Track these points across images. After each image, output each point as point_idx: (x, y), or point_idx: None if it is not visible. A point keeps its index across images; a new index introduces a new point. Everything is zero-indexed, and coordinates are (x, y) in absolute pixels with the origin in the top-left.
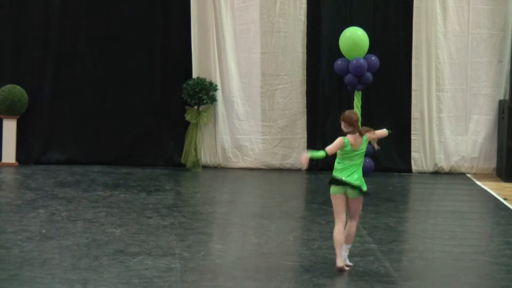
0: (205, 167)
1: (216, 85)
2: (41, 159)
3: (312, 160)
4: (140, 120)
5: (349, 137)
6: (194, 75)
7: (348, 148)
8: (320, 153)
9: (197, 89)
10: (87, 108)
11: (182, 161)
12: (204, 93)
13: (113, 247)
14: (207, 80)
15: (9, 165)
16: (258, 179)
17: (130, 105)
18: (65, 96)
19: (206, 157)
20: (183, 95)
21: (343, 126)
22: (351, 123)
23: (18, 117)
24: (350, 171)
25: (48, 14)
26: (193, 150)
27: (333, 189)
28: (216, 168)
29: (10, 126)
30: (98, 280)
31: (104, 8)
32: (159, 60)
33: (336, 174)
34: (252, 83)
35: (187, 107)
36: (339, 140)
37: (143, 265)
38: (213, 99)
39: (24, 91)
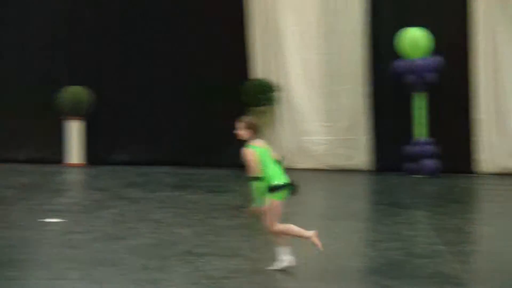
0: None
1: (278, 86)
2: (108, 160)
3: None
4: (207, 121)
5: (256, 143)
6: (256, 76)
7: (264, 152)
8: (259, 187)
9: (257, 91)
10: (153, 109)
11: None
12: (266, 94)
13: (181, 248)
14: (268, 81)
15: (76, 165)
16: (322, 180)
17: (196, 106)
18: (131, 97)
19: None
20: (245, 97)
21: (248, 134)
22: (256, 129)
23: (83, 118)
24: (280, 173)
25: (113, 15)
26: None
27: (279, 195)
28: None
29: (76, 127)
30: (167, 280)
31: (168, 10)
32: (220, 61)
33: (275, 180)
34: (314, 84)
35: (250, 108)
36: (250, 155)
37: (211, 266)
38: (274, 100)
39: (88, 92)
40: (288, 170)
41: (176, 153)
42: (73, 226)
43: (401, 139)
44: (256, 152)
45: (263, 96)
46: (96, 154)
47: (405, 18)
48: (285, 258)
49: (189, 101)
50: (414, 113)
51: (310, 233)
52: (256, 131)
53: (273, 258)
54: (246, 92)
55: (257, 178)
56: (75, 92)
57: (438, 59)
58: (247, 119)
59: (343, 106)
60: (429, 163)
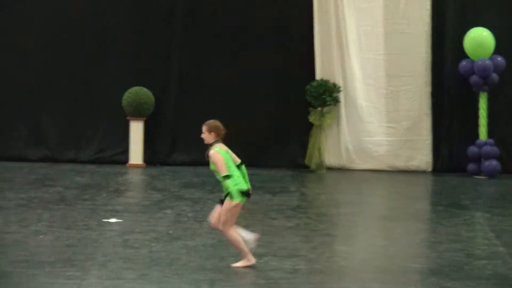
0: (329, 168)
1: (340, 87)
2: (167, 160)
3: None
4: (265, 122)
5: (219, 146)
6: (318, 76)
7: (228, 155)
8: (231, 185)
9: (321, 91)
10: (213, 110)
11: (306, 162)
12: (328, 94)
13: None
14: (330, 81)
15: (136, 166)
16: (383, 181)
17: (255, 107)
18: (190, 98)
19: (330, 159)
20: (306, 97)
21: (211, 137)
22: (219, 132)
23: (144, 119)
24: (240, 176)
25: (173, 16)
26: (317, 152)
27: (243, 199)
28: (340, 169)
29: (137, 128)
30: (225, 280)
31: (231, 12)
32: (283, 62)
33: (243, 186)
34: (376, 85)
35: (310, 108)
36: (217, 156)
37: (269, 266)
38: (336, 101)
39: (150, 93)
40: (348, 171)
41: (234, 153)
42: (132, 226)
43: (463, 140)
44: (221, 153)
45: (326, 96)
46: (156, 155)
47: (469, 18)
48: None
49: (249, 101)
50: (477, 114)
51: (250, 256)
52: (219, 134)
53: (330, 259)
54: (310, 93)
55: (228, 177)
56: (138, 93)
57: (500, 60)
58: (210, 122)
59: (405, 106)
60: (491, 164)
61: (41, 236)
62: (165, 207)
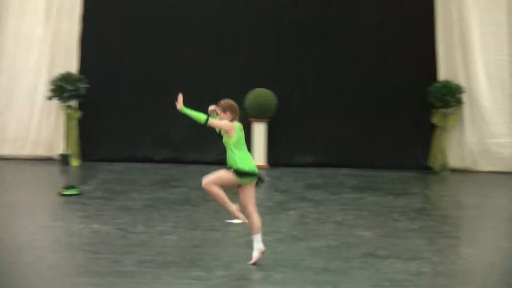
0: (453, 170)
1: (463, 88)
2: (290, 162)
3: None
4: (387, 123)
5: (237, 123)
6: (441, 77)
7: (240, 133)
8: (201, 116)
9: (443, 92)
10: (335, 111)
11: (430, 164)
12: (451, 95)
13: (362, 250)
14: (453, 82)
15: (259, 167)
16: (508, 183)
17: (378, 108)
18: (314, 99)
19: (453, 160)
20: (429, 98)
21: (227, 116)
22: (234, 111)
23: (267, 120)
24: (250, 158)
25: (295, 19)
26: (440, 153)
27: (246, 180)
28: (464, 171)
29: (260, 130)
30: (348, 282)
31: (353, 14)
32: (405, 62)
33: (245, 165)
34: (500, 85)
35: (433, 110)
36: (228, 123)
37: (393, 268)
38: (459, 102)
39: (273, 95)
40: (472, 173)
41: (356, 155)
42: None
43: None
44: (236, 126)
45: (449, 97)
46: (279, 156)
47: None
48: (256, 247)
49: (373, 102)
50: None
51: (233, 207)
52: (234, 112)
53: (454, 262)
54: (433, 94)
55: (205, 118)
56: (260, 95)
57: None
58: (222, 101)
59: None
60: None
61: (166, 237)
62: (288, 208)
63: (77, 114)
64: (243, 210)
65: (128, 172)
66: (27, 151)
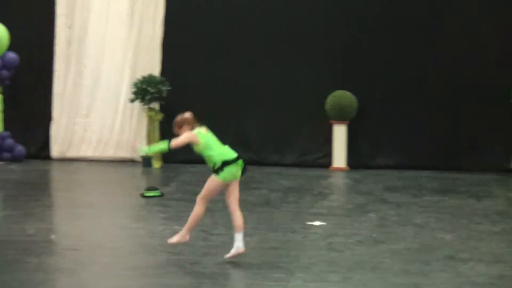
0: None
1: None
2: (370, 164)
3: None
4: (468, 125)
5: (199, 129)
6: None
7: (205, 136)
8: (161, 145)
9: None
10: (415, 112)
11: None
12: None
13: (443, 253)
14: None
15: (339, 169)
16: None
17: (459, 109)
18: (394, 101)
19: None
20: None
21: (186, 129)
22: (189, 121)
23: (347, 122)
24: (227, 149)
25: (376, 21)
26: None
27: (229, 174)
28: None
29: (341, 131)
30: (429, 285)
31: (435, 12)
32: (487, 61)
33: (223, 157)
34: None
35: None
36: (187, 134)
37: (475, 271)
38: None
39: (353, 97)
40: None
41: (437, 157)
42: (336, 229)
43: None
44: (197, 133)
45: None
46: (359, 158)
47: None
48: (235, 245)
49: (452, 104)
50: None
51: (188, 233)
52: (190, 123)
53: None
54: None
55: (166, 145)
56: (341, 97)
57: None
58: (175, 119)
59: None
60: None
61: (247, 238)
62: (368, 211)
63: (159, 116)
64: (228, 207)
65: (208, 174)
66: (110, 153)
